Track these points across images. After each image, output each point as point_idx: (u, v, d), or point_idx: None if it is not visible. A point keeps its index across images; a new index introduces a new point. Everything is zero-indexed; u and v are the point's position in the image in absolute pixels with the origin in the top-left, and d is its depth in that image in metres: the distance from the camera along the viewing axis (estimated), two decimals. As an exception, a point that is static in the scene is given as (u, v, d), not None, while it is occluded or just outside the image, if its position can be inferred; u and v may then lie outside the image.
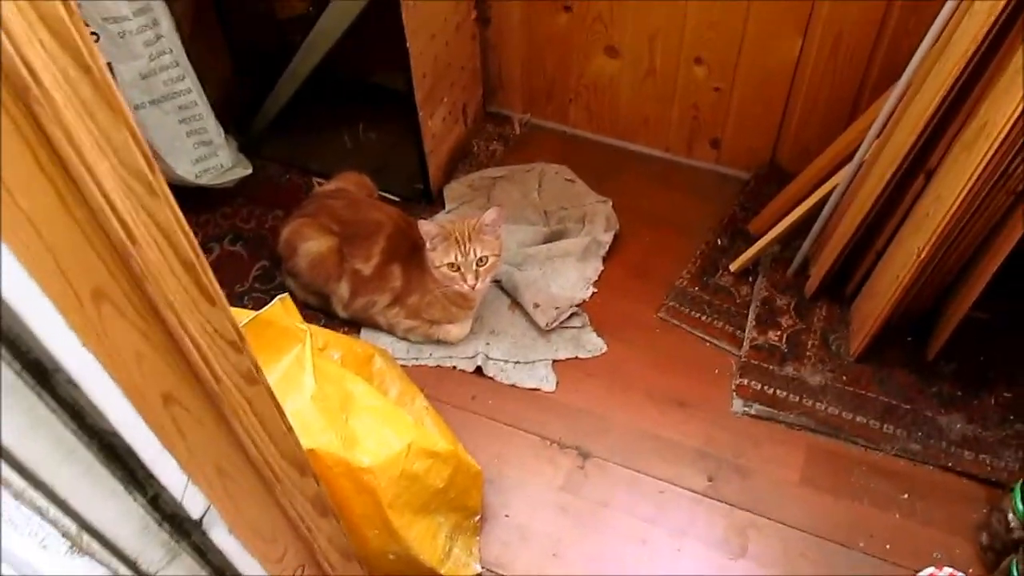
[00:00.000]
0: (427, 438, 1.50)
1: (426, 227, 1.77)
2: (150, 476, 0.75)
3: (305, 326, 1.49)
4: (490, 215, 1.78)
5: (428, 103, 2.03)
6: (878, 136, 1.76)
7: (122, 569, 0.70)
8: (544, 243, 2.11)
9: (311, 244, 1.89)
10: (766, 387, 1.83)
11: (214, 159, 2.11)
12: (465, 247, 1.77)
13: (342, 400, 1.47)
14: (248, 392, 0.89)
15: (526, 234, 2.12)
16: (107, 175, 0.64)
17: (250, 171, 2.18)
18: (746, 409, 1.81)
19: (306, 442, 1.37)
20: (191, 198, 2.21)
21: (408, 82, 1.96)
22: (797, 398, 1.81)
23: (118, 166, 0.65)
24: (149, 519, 0.77)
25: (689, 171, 2.33)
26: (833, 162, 1.98)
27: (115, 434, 0.70)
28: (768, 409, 1.80)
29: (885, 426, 1.76)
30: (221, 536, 0.87)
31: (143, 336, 0.73)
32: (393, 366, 1.73)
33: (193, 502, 0.81)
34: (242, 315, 1.44)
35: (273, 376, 1.45)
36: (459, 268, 1.79)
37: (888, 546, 1.61)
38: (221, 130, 2.11)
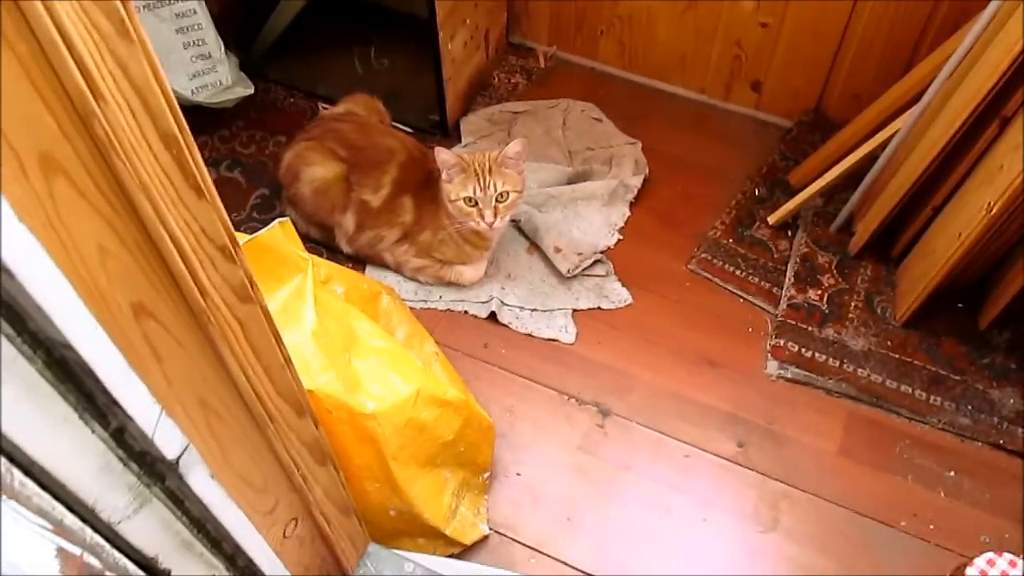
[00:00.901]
0: (437, 385, 1.35)
1: (443, 155, 1.60)
2: (113, 403, 0.60)
3: (307, 255, 1.34)
4: (514, 147, 1.62)
5: (449, 23, 1.85)
6: (949, 76, 1.59)
7: (69, 517, 0.55)
8: (568, 184, 1.95)
9: (316, 170, 1.72)
10: (804, 349, 1.68)
11: (212, 75, 1.94)
12: (484, 180, 1.61)
13: (345, 339, 1.32)
14: (240, 311, 0.74)
15: (548, 173, 1.96)
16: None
17: (251, 91, 2.01)
18: (781, 372, 1.66)
19: (304, 382, 1.22)
20: (187, 118, 2.01)
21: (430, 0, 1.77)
22: (837, 363, 1.66)
23: (77, -11, 0.49)
24: (111, 456, 0.62)
25: (725, 116, 2.16)
26: (889, 110, 1.81)
27: (67, 346, 0.54)
28: (805, 373, 1.65)
29: (932, 398, 1.62)
30: (201, 481, 0.73)
31: (108, 226, 0.58)
32: (401, 306, 1.58)
33: (168, 439, 0.66)
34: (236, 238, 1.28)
35: (272, 305, 1.30)
36: (476, 203, 1.63)
37: (932, 526, 1.48)
38: (221, 44, 1.93)
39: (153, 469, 0.68)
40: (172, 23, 1.84)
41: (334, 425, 1.25)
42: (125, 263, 0.60)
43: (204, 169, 0.64)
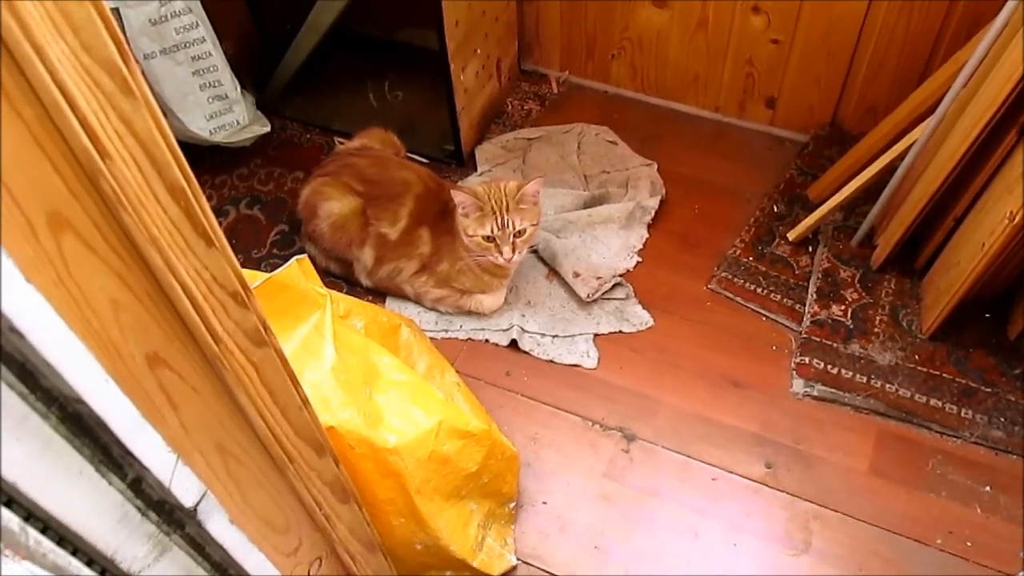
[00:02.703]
0: (459, 416, 1.35)
1: (459, 197, 1.61)
2: (128, 454, 0.60)
3: (325, 291, 1.34)
4: (532, 187, 1.62)
5: (460, 55, 1.87)
6: (964, 86, 1.58)
7: (85, 571, 0.56)
8: (584, 208, 1.95)
9: (333, 204, 1.74)
10: (829, 366, 1.66)
11: (229, 115, 1.97)
12: (502, 219, 1.61)
13: (366, 373, 1.32)
14: (255, 355, 0.74)
15: (565, 199, 1.96)
16: (63, 60, 0.49)
17: (268, 129, 2.04)
18: (807, 390, 1.64)
19: (325, 419, 1.23)
20: (205, 158, 2.07)
21: (440, 31, 1.79)
22: (864, 379, 1.64)
23: (79, 51, 0.50)
24: (129, 507, 0.63)
25: (741, 133, 2.15)
26: (905, 121, 1.79)
27: (80, 401, 0.55)
28: (832, 390, 1.63)
29: (963, 411, 1.59)
30: (221, 527, 0.73)
31: (119, 279, 0.58)
32: (421, 338, 1.58)
33: (185, 486, 0.66)
34: (254, 277, 1.29)
35: (289, 346, 1.31)
36: (495, 240, 1.63)
37: (969, 544, 1.45)
38: (237, 84, 1.96)
39: (172, 517, 0.68)
40: (188, 66, 1.87)
41: (357, 461, 1.25)
42: (138, 315, 0.61)
43: (212, 217, 0.65)
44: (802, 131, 2.09)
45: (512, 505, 1.49)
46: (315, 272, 1.38)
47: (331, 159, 1.83)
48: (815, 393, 1.64)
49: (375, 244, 1.76)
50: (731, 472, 1.55)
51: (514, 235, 1.63)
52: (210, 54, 1.89)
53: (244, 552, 0.80)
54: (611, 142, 2.11)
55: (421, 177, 1.76)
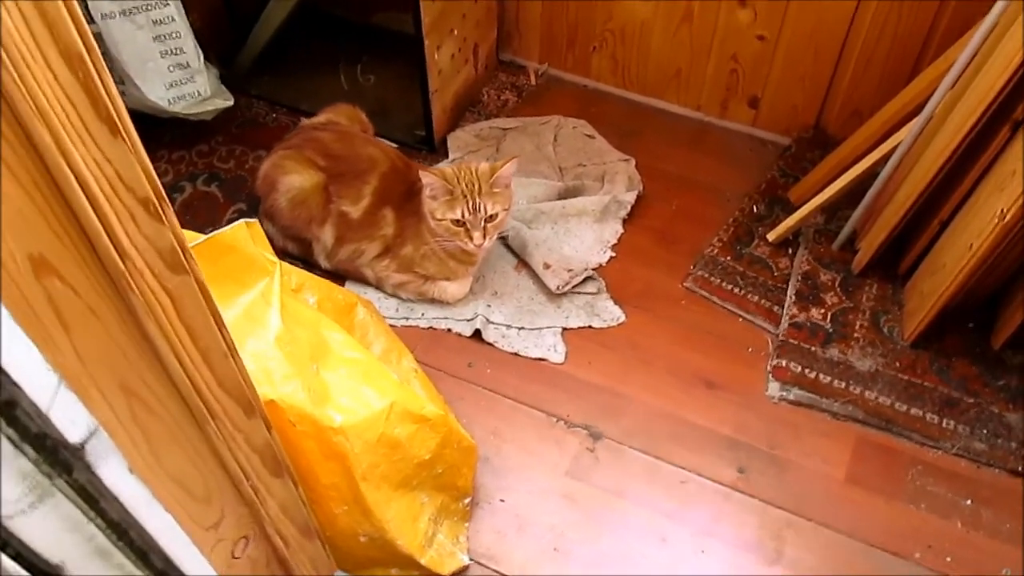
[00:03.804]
0: (413, 399, 1.25)
1: (427, 179, 1.52)
2: (-5, 367, 0.50)
3: (275, 258, 1.25)
4: (509, 168, 1.54)
5: (436, 32, 1.79)
6: (953, 85, 1.52)
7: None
8: (559, 199, 1.87)
9: (293, 178, 1.64)
10: (807, 370, 1.58)
11: (191, 85, 1.87)
12: (474, 203, 1.53)
13: (314, 348, 1.22)
14: (170, 282, 0.65)
15: (538, 189, 1.88)
16: None
17: (231, 103, 1.94)
18: (783, 394, 1.57)
19: (265, 391, 1.13)
20: (164, 131, 1.97)
21: (415, 5, 1.71)
22: (843, 384, 1.56)
23: None
24: (-3, 435, 0.52)
25: (722, 133, 2.09)
26: (890, 122, 1.74)
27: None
28: (809, 395, 1.56)
29: (944, 421, 1.52)
30: (118, 475, 0.63)
31: (-8, 152, 0.49)
32: (379, 320, 1.49)
33: (69, 417, 0.56)
34: (195, 236, 1.19)
35: (231, 312, 1.20)
36: (465, 224, 1.54)
37: (949, 559, 1.37)
38: (200, 53, 1.86)
39: (56, 457, 0.58)
40: (149, 30, 1.77)
41: (298, 440, 1.15)
42: (20, 205, 0.51)
43: (122, 107, 0.56)
44: (784, 133, 2.03)
45: (467, 501, 1.39)
46: (264, 237, 1.28)
47: (295, 133, 1.74)
48: (791, 397, 1.56)
49: (336, 223, 1.66)
50: (701, 475, 1.46)
51: (485, 220, 1.54)
52: (173, 19, 1.79)
53: (149, 512, 0.70)
54: (589, 136, 2.04)
55: (388, 155, 1.67)
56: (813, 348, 1.62)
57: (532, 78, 2.20)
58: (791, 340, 1.63)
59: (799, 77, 1.92)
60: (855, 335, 1.64)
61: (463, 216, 1.52)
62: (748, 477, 1.46)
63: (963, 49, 1.51)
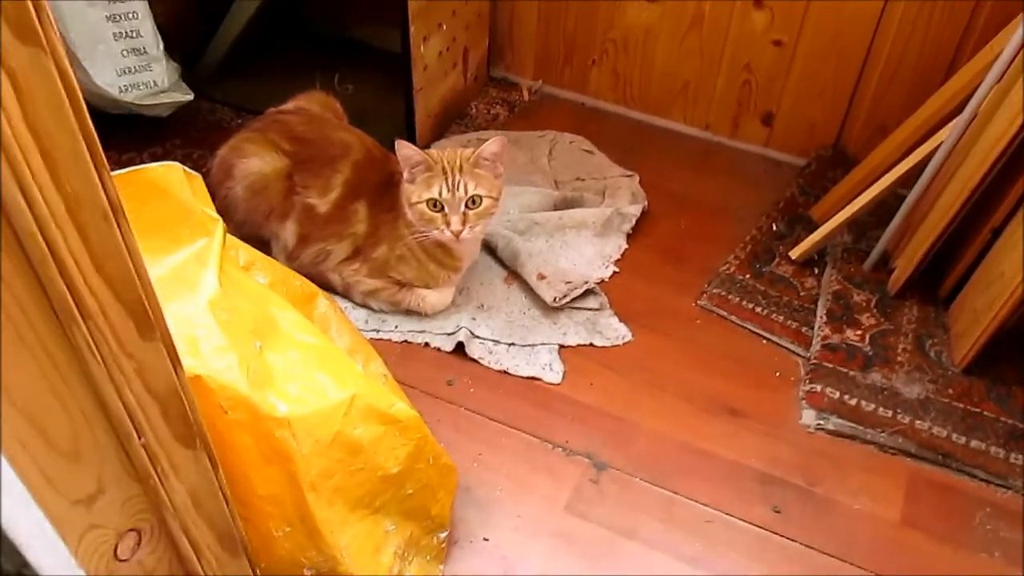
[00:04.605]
0: (380, 395, 1.00)
1: (405, 150, 1.32)
2: None
3: (216, 215, 1.01)
4: (491, 146, 1.34)
5: (423, 20, 1.62)
6: (1000, 78, 1.36)
7: None
8: (555, 211, 1.66)
9: (252, 162, 1.42)
10: (846, 396, 1.35)
11: (146, 73, 1.67)
12: (453, 180, 1.32)
13: (259, 324, 0.98)
14: (19, 58, 0.42)
15: (532, 198, 1.67)
16: None
17: (190, 97, 1.74)
18: (820, 423, 1.33)
19: (191, 365, 0.88)
20: (115, 129, 1.75)
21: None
22: (889, 412, 1.33)
23: None
24: None
25: (732, 154, 1.91)
26: (919, 132, 1.58)
27: None
28: (850, 424, 1.32)
29: (1012, 456, 1.28)
30: None
31: None
32: (343, 317, 1.25)
33: None
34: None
35: (155, 271, 0.96)
36: (442, 207, 1.33)
37: (1034, 619, 1.11)
38: (160, 40, 1.67)
39: None
40: (102, 8, 1.58)
41: (230, 433, 0.89)
42: None
43: None
44: (801, 154, 1.85)
45: (443, 535, 1.11)
46: (207, 192, 1.05)
47: (258, 119, 1.53)
48: (830, 427, 1.32)
49: (300, 218, 1.44)
50: (729, 514, 1.21)
51: (466, 204, 1.32)
52: (129, -2, 1.61)
53: None
54: (587, 151, 1.85)
55: (364, 142, 1.47)
56: (851, 372, 1.39)
57: (525, 94, 2.03)
58: (825, 363, 1.40)
59: (819, 89, 1.75)
60: (898, 359, 1.41)
61: (440, 195, 1.31)
62: (785, 517, 1.21)
63: (1008, 39, 1.35)
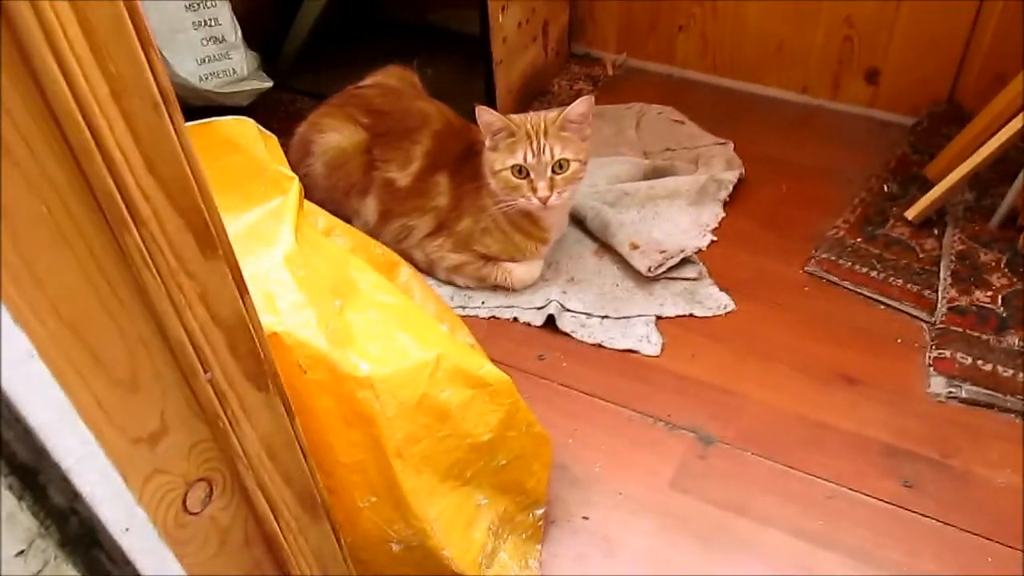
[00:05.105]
0: (468, 356, 0.94)
1: (486, 116, 1.26)
2: None
3: (293, 174, 0.97)
4: (578, 107, 1.27)
5: (500, -11, 1.56)
6: None
7: None
8: (644, 180, 1.58)
9: (330, 137, 1.39)
10: (980, 361, 1.22)
11: (226, 61, 1.66)
12: (538, 144, 1.25)
13: (338, 284, 0.93)
14: None
15: (620, 167, 1.59)
16: None
17: (270, 84, 1.73)
18: (952, 391, 1.20)
19: (268, 321, 0.83)
20: (192, 118, 1.75)
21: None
22: (1031, 378, 1.19)
23: None
24: None
25: (833, 117, 1.78)
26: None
27: None
28: (986, 392, 1.19)
29: None
30: None
31: None
32: (425, 285, 1.19)
33: None
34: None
35: (231, 228, 0.92)
36: (528, 173, 1.26)
37: None
38: (238, 27, 1.66)
39: None
40: (181, -2, 1.59)
41: (310, 394, 0.84)
42: None
43: None
44: (910, 112, 1.71)
45: (540, 512, 1.04)
46: (283, 153, 1.01)
47: (336, 95, 1.49)
48: (962, 395, 1.19)
49: (380, 193, 1.39)
50: (853, 489, 1.09)
51: (552, 168, 1.25)
52: (208, -14, 1.61)
53: (23, 374, 0.40)
54: (677, 121, 1.76)
55: (443, 113, 1.42)
56: (984, 336, 1.25)
57: (609, 69, 1.94)
58: (953, 327, 1.27)
59: (929, 38, 1.61)
60: (1038, 320, 1.27)
61: (525, 160, 1.24)
62: (918, 492, 1.08)
63: None
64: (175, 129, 0.48)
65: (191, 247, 0.51)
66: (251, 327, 0.58)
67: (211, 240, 0.52)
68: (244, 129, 0.93)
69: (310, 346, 0.82)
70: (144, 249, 0.48)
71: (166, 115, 0.47)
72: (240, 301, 0.56)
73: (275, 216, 0.92)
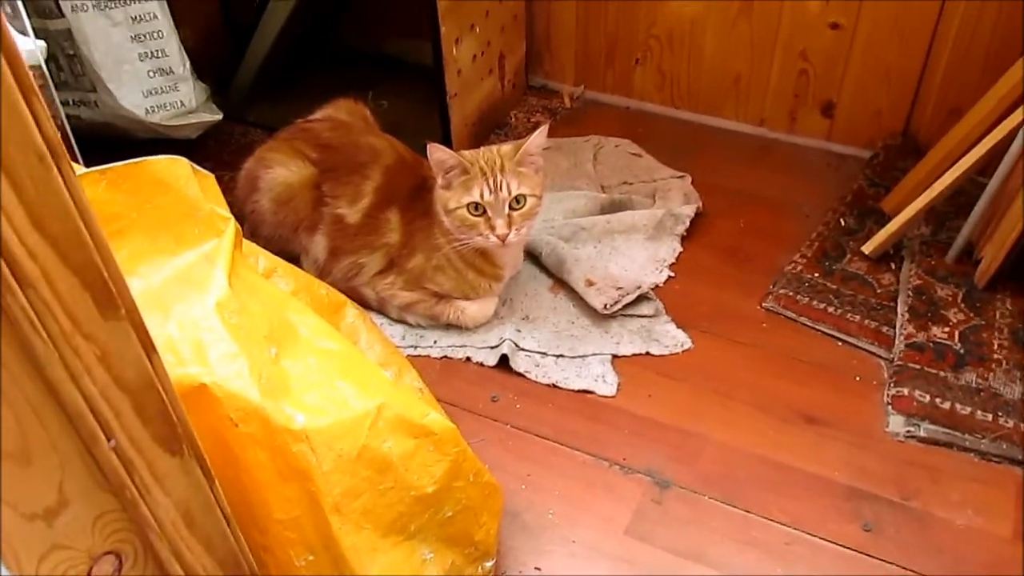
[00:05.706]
0: (411, 404, 0.90)
1: (438, 154, 1.23)
2: None
3: (228, 214, 0.93)
4: (537, 139, 1.24)
5: (453, 20, 1.54)
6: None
7: None
8: (601, 215, 1.55)
9: (277, 172, 1.35)
10: (938, 399, 1.20)
11: (173, 94, 1.62)
12: (495, 180, 1.22)
13: (274, 329, 0.88)
14: None
15: (577, 202, 1.57)
16: None
17: (219, 117, 1.69)
18: (910, 429, 1.18)
19: (193, 372, 0.78)
20: (140, 152, 1.70)
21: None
22: (989, 416, 1.18)
23: None
24: None
25: (791, 149, 1.78)
26: (997, 110, 1.43)
27: None
28: (946, 431, 1.17)
29: None
30: None
31: None
32: (373, 327, 1.15)
33: None
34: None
35: (157, 275, 0.87)
36: (484, 211, 1.23)
37: None
38: (186, 60, 1.62)
39: None
40: (127, 28, 1.55)
41: (242, 448, 0.79)
42: None
43: None
44: (866, 145, 1.72)
45: (489, 565, 1.00)
46: (220, 192, 0.97)
47: (284, 129, 1.46)
48: (921, 433, 1.17)
49: (329, 230, 1.35)
50: (812, 534, 1.07)
51: (510, 204, 1.23)
52: (155, 16, 1.57)
53: None
54: (635, 154, 1.74)
55: (395, 147, 1.39)
56: (942, 373, 1.24)
57: (567, 101, 1.93)
58: (911, 364, 1.25)
59: (883, 72, 1.62)
60: (995, 356, 1.26)
61: (482, 197, 1.21)
62: (879, 536, 1.06)
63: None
64: (65, 182, 0.44)
65: (88, 307, 0.47)
66: (160, 388, 0.54)
67: (111, 299, 0.48)
68: (176, 168, 0.89)
69: (242, 398, 0.78)
70: (31, 312, 0.44)
71: (53, 167, 0.43)
72: (147, 361, 0.52)
73: (208, 260, 0.88)
